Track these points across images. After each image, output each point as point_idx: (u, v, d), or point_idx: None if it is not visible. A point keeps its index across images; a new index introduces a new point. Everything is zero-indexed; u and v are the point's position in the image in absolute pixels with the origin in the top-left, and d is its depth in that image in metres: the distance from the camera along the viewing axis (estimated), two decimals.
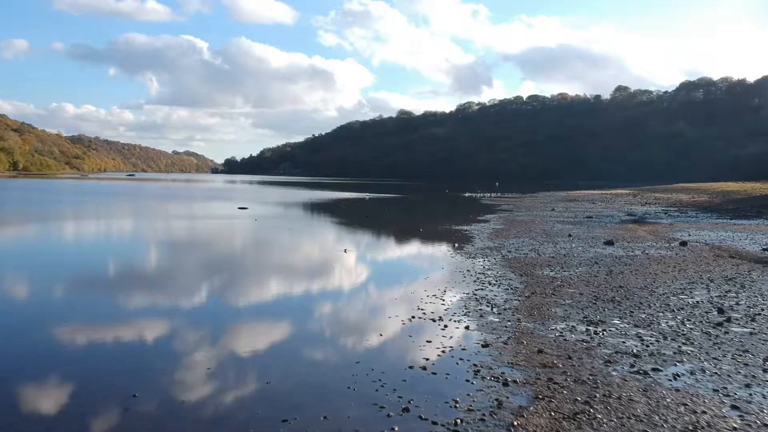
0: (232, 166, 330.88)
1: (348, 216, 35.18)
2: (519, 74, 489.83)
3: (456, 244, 18.88)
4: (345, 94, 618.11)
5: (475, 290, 11.35)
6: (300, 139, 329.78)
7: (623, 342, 7.93)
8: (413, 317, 9.25)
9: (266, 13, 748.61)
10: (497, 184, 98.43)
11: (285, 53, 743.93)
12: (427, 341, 7.92)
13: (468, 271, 13.65)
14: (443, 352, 7.49)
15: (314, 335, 8.54)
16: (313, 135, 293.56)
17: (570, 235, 21.48)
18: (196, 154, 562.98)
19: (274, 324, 9.29)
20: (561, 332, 8.39)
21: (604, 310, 9.73)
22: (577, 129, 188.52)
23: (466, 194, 67.49)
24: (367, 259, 16.72)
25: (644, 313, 9.59)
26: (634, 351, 7.50)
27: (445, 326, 8.68)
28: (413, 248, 19.31)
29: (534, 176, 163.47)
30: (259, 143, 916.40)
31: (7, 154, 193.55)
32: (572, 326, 8.70)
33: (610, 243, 19.09)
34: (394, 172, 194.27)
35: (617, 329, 8.57)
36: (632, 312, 9.64)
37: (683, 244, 19.00)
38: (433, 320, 9.05)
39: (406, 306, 10.08)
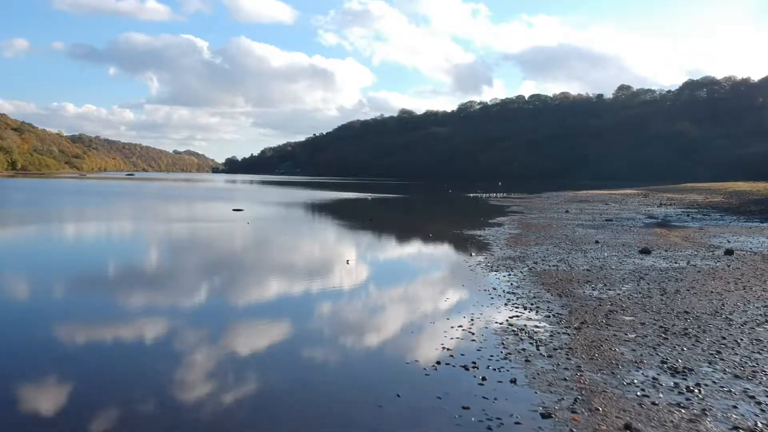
0: (232, 166, 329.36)
1: (351, 218, 32.97)
2: (519, 74, 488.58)
3: (472, 253, 16.66)
4: (345, 93, 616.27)
5: (509, 318, 9.14)
6: (301, 138, 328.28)
7: (735, 407, 5.72)
8: (438, 363, 7.02)
9: (266, 13, 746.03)
10: (500, 183, 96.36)
11: (285, 53, 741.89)
12: (464, 408, 5.70)
13: (494, 289, 11.44)
14: (489, 430, 5.27)
15: (303, 401, 6.28)
16: (314, 134, 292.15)
17: (597, 242, 19.26)
18: (197, 153, 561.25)
19: (250, 369, 7.09)
20: (642, 389, 6.18)
21: (683, 350, 7.52)
22: (579, 128, 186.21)
23: (471, 194, 65.25)
24: (374, 273, 14.33)
25: (736, 354, 7.39)
26: (760, 427, 5.30)
27: (484, 379, 6.46)
28: (425, 259, 17.06)
29: (536, 176, 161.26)
30: (259, 143, 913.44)
31: (5, 154, 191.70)
32: (653, 378, 6.49)
33: (646, 252, 16.88)
34: (394, 172, 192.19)
35: (715, 383, 6.36)
36: (719, 352, 7.44)
37: (729, 252, 16.78)
38: (466, 368, 6.83)
39: (427, 344, 7.88)
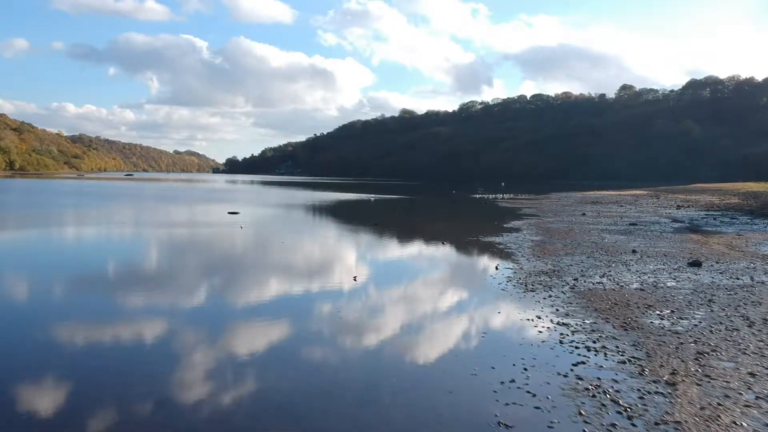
0: (233, 166, 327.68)
1: (354, 222, 30.78)
2: (519, 74, 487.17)
3: (497, 266, 14.46)
4: (345, 93, 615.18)
5: (574, 366, 6.95)
6: (301, 138, 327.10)
7: None
8: None
9: (265, 13, 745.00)
10: (503, 184, 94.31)
11: (285, 53, 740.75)
12: None
13: (538, 318, 9.24)
14: None
15: None
16: (315, 134, 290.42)
17: (635, 251, 17.06)
18: (198, 153, 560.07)
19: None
20: None
21: None
22: (581, 128, 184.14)
23: (477, 195, 63.06)
24: (387, 296, 11.63)
25: None
26: None
27: None
28: (444, 275, 14.62)
29: (538, 176, 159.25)
30: (260, 143, 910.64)
31: (2, 154, 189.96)
32: None
33: (696, 264, 14.68)
34: (396, 172, 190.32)
35: None
36: None
37: None
38: None
39: (474, 412, 5.68)
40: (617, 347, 7.69)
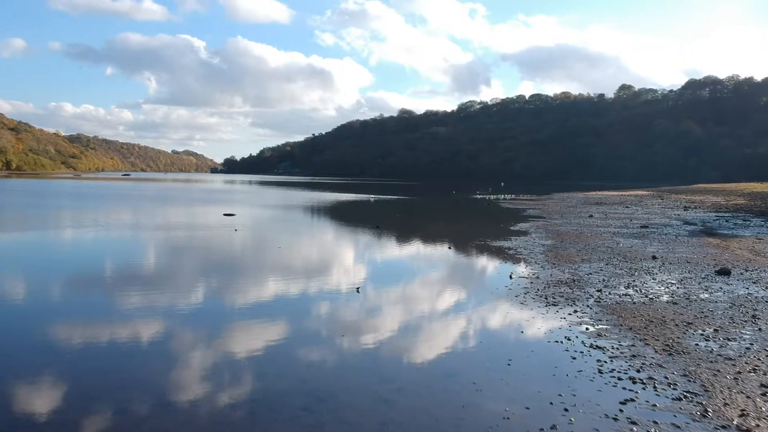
0: (231, 166, 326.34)
1: (355, 225, 29.69)
2: (517, 74, 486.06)
3: (511, 274, 13.37)
4: (343, 93, 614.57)
5: (620, 403, 5.88)
6: (299, 138, 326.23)
7: None
8: None
9: (262, 13, 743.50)
10: (503, 184, 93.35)
11: (282, 52, 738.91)
12: None
13: (568, 339, 8.16)
14: None
15: None
16: (313, 134, 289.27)
17: (655, 258, 16.00)
18: (196, 153, 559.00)
19: None
20: None
21: None
22: (581, 128, 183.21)
23: (478, 196, 62.01)
24: (394, 315, 10.09)
25: None
26: None
27: None
28: (457, 286, 13.23)
29: (537, 176, 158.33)
30: (258, 143, 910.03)
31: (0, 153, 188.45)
32: None
33: (725, 273, 13.62)
34: (394, 172, 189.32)
35: None
36: None
37: None
38: None
39: None
40: (666, 378, 6.61)
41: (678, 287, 11.93)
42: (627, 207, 41.79)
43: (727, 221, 28.95)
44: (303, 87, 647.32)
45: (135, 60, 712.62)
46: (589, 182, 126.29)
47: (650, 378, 6.60)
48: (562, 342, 8.04)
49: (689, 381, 6.52)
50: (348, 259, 17.35)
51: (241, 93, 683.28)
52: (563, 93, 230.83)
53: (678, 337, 8.24)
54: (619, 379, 6.60)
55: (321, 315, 9.95)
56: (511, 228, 25.19)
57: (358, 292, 11.58)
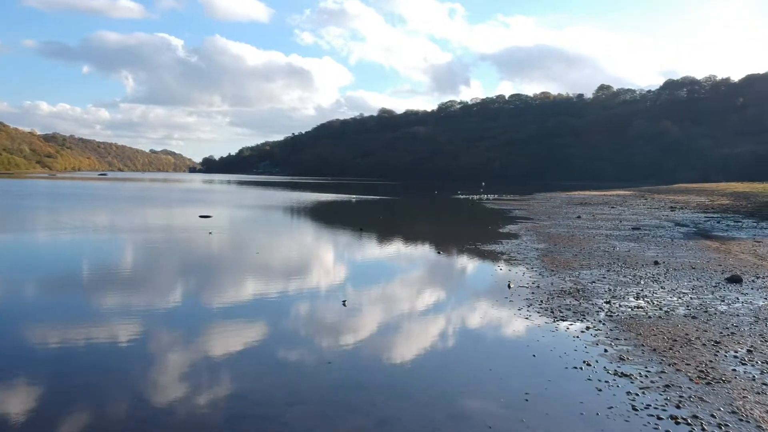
0: (210, 165, 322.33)
1: (337, 227, 28.50)
2: (496, 74, 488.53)
3: (509, 283, 12.33)
4: (323, 92, 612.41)
5: None
6: (278, 137, 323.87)
7: None
8: None
9: (241, 11, 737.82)
10: (484, 184, 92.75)
11: (261, 51, 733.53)
12: None
13: (587, 365, 7.11)
14: None
15: None
16: (293, 134, 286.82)
17: (657, 263, 15.12)
18: (174, 152, 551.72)
19: None
20: None
21: None
22: (560, 128, 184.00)
23: (460, 196, 61.18)
24: (384, 332, 9.11)
25: None
26: None
27: None
28: (450, 296, 12.05)
29: (518, 176, 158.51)
30: (237, 142, 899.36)
31: None
32: None
33: (736, 280, 12.75)
34: (375, 172, 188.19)
35: None
36: None
37: None
38: None
39: None
40: (714, 416, 5.59)
41: (691, 297, 11.00)
42: (612, 207, 41.23)
43: (718, 222, 28.35)
44: (282, 86, 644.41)
45: (112, 58, 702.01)
46: (568, 182, 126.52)
47: (695, 417, 5.58)
48: (582, 369, 6.99)
49: (741, 421, 5.51)
50: (328, 267, 16.16)
51: (220, 92, 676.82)
52: (543, 93, 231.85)
53: (710, 361, 7.26)
54: (659, 418, 5.57)
55: (300, 336, 8.78)
56: (500, 230, 24.24)
57: (344, 305, 10.44)
